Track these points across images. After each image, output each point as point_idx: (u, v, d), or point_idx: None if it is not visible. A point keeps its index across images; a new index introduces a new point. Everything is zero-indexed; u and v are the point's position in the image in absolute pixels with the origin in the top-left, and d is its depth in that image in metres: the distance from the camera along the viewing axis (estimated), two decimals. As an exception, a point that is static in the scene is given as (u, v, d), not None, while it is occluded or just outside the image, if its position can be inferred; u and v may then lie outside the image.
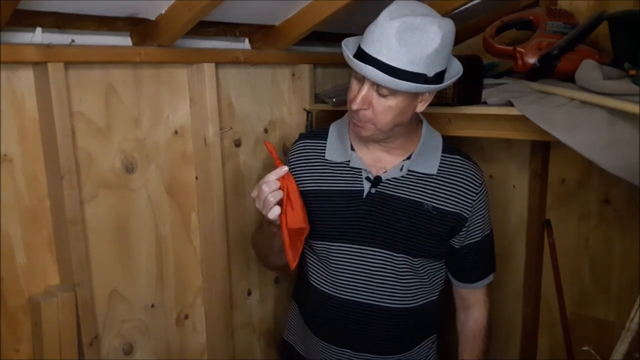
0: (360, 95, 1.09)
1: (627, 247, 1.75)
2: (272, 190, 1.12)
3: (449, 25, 1.05)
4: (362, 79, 1.09)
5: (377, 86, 1.07)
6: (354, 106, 1.10)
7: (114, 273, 1.31)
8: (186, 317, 1.50)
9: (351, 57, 1.07)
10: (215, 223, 1.45)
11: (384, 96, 1.08)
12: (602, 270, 1.82)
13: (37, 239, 1.17)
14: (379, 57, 1.03)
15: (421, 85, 1.05)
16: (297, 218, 1.14)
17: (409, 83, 1.04)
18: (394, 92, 1.07)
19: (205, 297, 1.52)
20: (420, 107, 1.14)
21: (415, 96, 1.11)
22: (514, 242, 1.97)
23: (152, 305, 1.41)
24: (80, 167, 1.21)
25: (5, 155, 1.10)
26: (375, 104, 1.09)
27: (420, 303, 1.25)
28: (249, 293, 1.66)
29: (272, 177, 1.13)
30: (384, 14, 1.04)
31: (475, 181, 1.22)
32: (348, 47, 1.10)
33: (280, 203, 1.13)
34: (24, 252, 1.15)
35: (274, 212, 1.12)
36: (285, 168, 1.14)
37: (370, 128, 1.13)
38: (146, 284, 1.39)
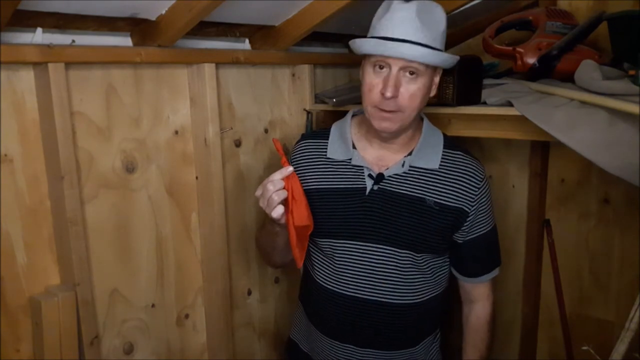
0: (392, 80, 1.10)
1: (626, 247, 1.75)
2: (276, 190, 1.14)
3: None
4: (386, 67, 1.11)
5: (403, 70, 1.10)
6: (388, 93, 1.10)
7: (114, 273, 1.31)
8: (186, 316, 1.50)
9: (383, 41, 1.09)
10: (216, 223, 1.46)
11: (412, 77, 1.11)
12: (601, 270, 1.82)
13: (38, 238, 1.17)
14: (409, 38, 1.07)
15: (448, 56, 1.13)
16: (302, 216, 1.15)
17: (442, 54, 1.11)
18: (421, 72, 1.11)
19: (206, 297, 1.52)
20: (433, 90, 1.19)
21: (431, 79, 1.15)
22: (513, 242, 1.97)
23: (153, 305, 1.41)
24: (81, 167, 1.21)
25: (5, 155, 1.10)
26: (403, 90, 1.12)
27: (424, 299, 1.26)
28: (249, 293, 1.66)
29: (277, 177, 1.15)
30: (396, 1, 1.10)
31: (477, 176, 1.23)
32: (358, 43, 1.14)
33: (284, 202, 1.14)
34: (24, 252, 1.15)
35: (278, 211, 1.14)
36: (290, 168, 1.16)
37: (398, 118, 1.14)
38: (146, 284, 1.39)
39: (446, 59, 1.13)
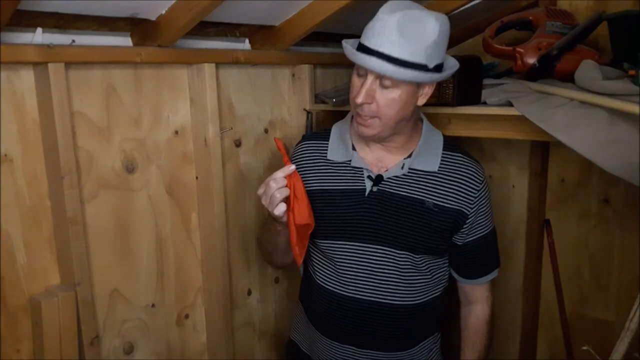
0: (365, 88, 1.10)
1: (626, 247, 1.75)
2: (279, 187, 1.14)
3: (444, 19, 1.09)
4: (364, 74, 1.10)
5: (380, 79, 1.09)
6: (359, 99, 1.11)
7: (114, 273, 1.31)
8: (186, 316, 1.50)
9: (355, 51, 1.08)
10: (216, 223, 1.46)
11: (387, 88, 1.10)
12: (601, 270, 1.82)
13: (38, 238, 1.17)
14: (381, 50, 1.05)
15: (424, 74, 1.07)
16: (303, 214, 1.16)
17: (413, 71, 1.06)
18: (397, 84, 1.09)
19: (206, 297, 1.52)
20: (421, 100, 1.16)
21: (416, 88, 1.12)
22: (513, 242, 1.97)
23: (153, 305, 1.41)
24: (81, 167, 1.21)
25: (5, 155, 1.10)
26: (378, 97, 1.11)
27: (424, 300, 1.26)
28: (249, 293, 1.66)
29: (280, 175, 1.15)
30: (383, 10, 1.07)
31: (477, 178, 1.23)
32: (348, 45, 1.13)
33: (286, 200, 1.15)
34: (24, 251, 1.15)
35: (280, 209, 1.14)
36: (293, 167, 1.16)
37: (376, 124, 1.14)
38: (146, 284, 1.39)
39: (415, 77, 1.06)
